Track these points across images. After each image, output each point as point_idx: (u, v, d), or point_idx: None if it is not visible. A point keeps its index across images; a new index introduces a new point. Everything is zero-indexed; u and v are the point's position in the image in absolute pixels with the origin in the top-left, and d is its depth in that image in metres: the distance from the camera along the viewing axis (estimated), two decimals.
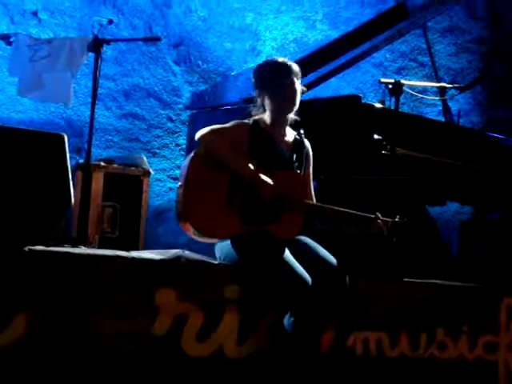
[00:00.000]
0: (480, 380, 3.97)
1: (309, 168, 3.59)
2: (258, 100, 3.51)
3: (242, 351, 3.32)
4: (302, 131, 3.59)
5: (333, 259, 3.32)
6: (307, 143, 3.60)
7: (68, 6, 5.88)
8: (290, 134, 3.57)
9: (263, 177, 3.31)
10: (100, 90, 5.02)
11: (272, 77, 3.45)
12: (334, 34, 6.45)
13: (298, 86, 3.47)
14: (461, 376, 3.91)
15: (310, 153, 3.60)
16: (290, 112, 3.47)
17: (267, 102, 3.48)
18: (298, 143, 3.56)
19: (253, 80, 3.54)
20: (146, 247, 5.02)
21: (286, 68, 3.46)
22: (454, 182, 5.12)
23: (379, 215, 3.46)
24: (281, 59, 3.53)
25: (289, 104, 3.45)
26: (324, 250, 3.36)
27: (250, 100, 3.71)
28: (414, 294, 3.80)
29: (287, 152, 3.50)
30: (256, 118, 3.50)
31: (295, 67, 3.49)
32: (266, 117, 3.50)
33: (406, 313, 3.76)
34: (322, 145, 4.45)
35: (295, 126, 3.57)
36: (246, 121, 3.49)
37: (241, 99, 5.01)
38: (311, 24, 6.92)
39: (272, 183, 3.31)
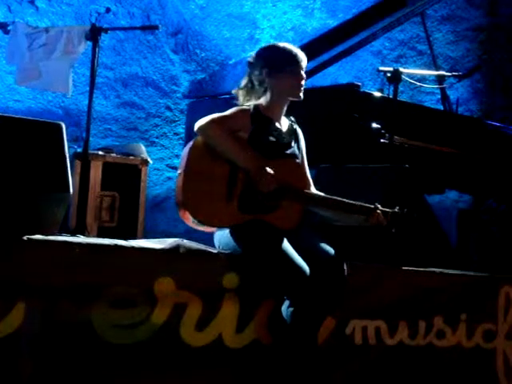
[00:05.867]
0: (478, 368, 3.98)
1: (304, 155, 3.58)
2: (266, 81, 3.42)
3: (241, 340, 3.32)
4: (293, 118, 3.58)
5: (330, 249, 3.32)
6: (300, 130, 3.59)
7: None
8: (285, 121, 3.56)
9: (263, 169, 3.29)
10: (98, 79, 5.01)
11: (288, 62, 3.42)
12: (333, 23, 6.45)
13: None
14: (459, 364, 3.91)
15: (303, 140, 3.59)
16: (296, 98, 3.46)
17: (275, 87, 3.43)
18: (293, 130, 3.55)
19: (258, 61, 3.45)
20: (144, 236, 5.03)
21: (300, 56, 3.46)
22: (453, 171, 5.13)
23: (379, 206, 3.45)
24: (294, 46, 3.51)
25: (299, 92, 3.44)
26: (322, 240, 3.36)
27: None
28: (412, 282, 3.80)
29: (285, 138, 3.49)
30: (256, 103, 3.47)
31: (305, 56, 3.50)
32: (265, 102, 3.46)
33: (404, 301, 3.76)
34: (320, 133, 4.45)
35: (287, 113, 3.56)
36: (246, 106, 3.45)
37: (237, 87, 5.00)
38: (309, 12, 6.90)
39: (272, 175, 3.29)
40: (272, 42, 6.10)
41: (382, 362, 3.68)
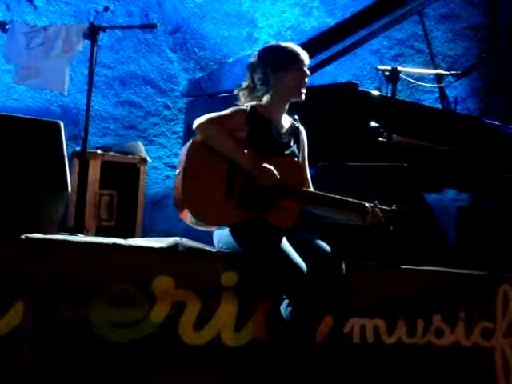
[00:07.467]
0: (476, 366, 3.98)
1: (304, 154, 3.59)
2: (269, 81, 3.42)
3: (239, 339, 3.32)
4: (296, 117, 3.58)
5: (329, 248, 3.32)
6: (302, 129, 3.59)
7: None
8: (287, 120, 3.56)
9: (263, 164, 3.29)
10: (96, 78, 5.01)
11: (292, 61, 3.43)
12: (331, 21, 6.44)
13: None
14: (457, 362, 3.91)
15: (305, 139, 3.60)
16: (298, 98, 3.47)
17: (278, 85, 3.42)
18: (294, 128, 3.55)
19: (261, 60, 3.45)
20: (143, 235, 5.03)
21: (303, 55, 3.47)
22: (451, 169, 5.13)
23: (377, 204, 3.45)
24: (295, 45, 3.52)
25: (300, 91, 3.45)
26: (320, 239, 3.36)
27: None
28: (411, 280, 3.81)
29: (285, 137, 3.49)
30: (253, 103, 3.47)
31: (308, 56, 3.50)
32: (265, 101, 3.47)
33: (403, 300, 3.76)
34: (319, 132, 4.44)
35: (290, 111, 3.56)
36: (243, 106, 3.45)
37: (237, 87, 5.00)
38: (308, 11, 6.90)
39: (272, 171, 3.29)
40: (271, 40, 6.13)
41: (380, 360, 3.68)
